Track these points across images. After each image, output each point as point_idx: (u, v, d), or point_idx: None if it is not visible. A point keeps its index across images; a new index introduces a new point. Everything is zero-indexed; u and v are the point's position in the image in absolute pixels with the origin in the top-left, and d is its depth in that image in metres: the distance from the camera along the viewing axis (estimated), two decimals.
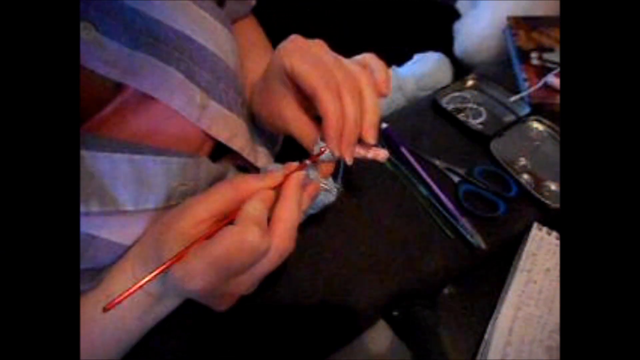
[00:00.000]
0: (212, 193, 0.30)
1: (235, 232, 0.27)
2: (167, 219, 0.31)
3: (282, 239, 0.29)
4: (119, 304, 0.25)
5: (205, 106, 0.37)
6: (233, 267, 0.27)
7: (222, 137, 0.39)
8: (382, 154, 0.37)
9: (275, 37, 0.60)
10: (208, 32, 0.38)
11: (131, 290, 0.25)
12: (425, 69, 0.76)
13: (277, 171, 0.32)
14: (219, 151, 0.42)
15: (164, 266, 0.26)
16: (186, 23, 0.36)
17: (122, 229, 0.32)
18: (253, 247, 0.27)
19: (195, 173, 0.37)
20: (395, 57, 0.80)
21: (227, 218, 0.30)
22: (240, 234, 0.27)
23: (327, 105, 0.31)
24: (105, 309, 0.24)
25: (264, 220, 0.29)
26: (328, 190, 0.37)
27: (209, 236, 0.28)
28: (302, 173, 0.33)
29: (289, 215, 0.30)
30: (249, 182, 0.31)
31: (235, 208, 0.30)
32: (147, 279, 0.26)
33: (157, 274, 0.26)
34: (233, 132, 0.40)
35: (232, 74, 0.40)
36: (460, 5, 0.84)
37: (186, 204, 0.30)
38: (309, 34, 0.36)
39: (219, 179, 0.41)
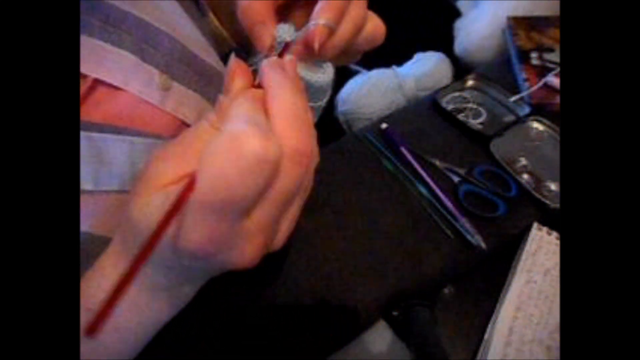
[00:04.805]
0: (172, 145, 0.23)
1: (223, 144, 0.19)
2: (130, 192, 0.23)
3: (291, 136, 0.21)
4: (103, 323, 0.18)
5: (167, 88, 0.36)
6: (237, 196, 0.19)
7: (190, 118, 0.37)
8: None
9: None
10: (161, 13, 0.37)
11: (111, 302, 0.18)
12: (425, 69, 0.76)
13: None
14: None
15: (140, 255, 0.19)
16: (136, 5, 0.35)
17: (83, 213, 0.30)
18: (256, 156, 0.19)
19: None
20: (395, 57, 0.80)
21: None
22: (232, 142, 0.19)
23: None
24: (89, 332, 0.17)
25: (261, 118, 0.21)
26: (319, 67, 0.30)
27: (181, 199, 0.20)
28: (277, 58, 0.25)
29: (286, 104, 0.22)
30: (220, 105, 0.23)
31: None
32: (124, 277, 0.19)
33: (137, 268, 0.19)
34: (200, 113, 0.38)
35: (191, 54, 0.39)
36: (461, 5, 0.84)
37: (143, 171, 0.23)
38: None
39: None
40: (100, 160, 0.31)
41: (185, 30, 0.39)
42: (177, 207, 0.20)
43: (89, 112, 0.32)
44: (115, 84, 0.33)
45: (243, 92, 0.23)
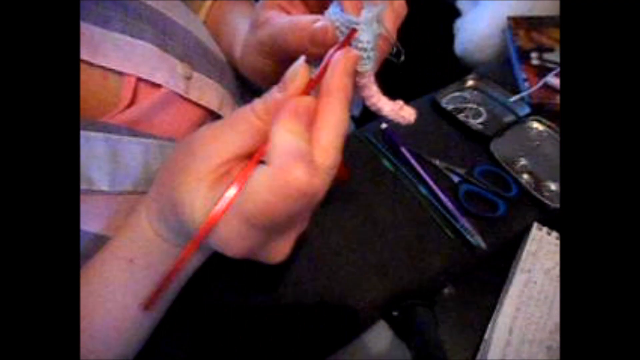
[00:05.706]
0: (231, 124, 0.24)
1: (270, 177, 0.21)
2: (178, 156, 0.25)
3: (332, 155, 0.23)
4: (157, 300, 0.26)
5: (189, 77, 0.37)
6: (278, 220, 0.22)
7: (214, 105, 0.39)
8: (408, 112, 0.28)
9: None
10: (175, 6, 0.38)
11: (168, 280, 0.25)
12: None
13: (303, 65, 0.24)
14: None
15: (191, 244, 0.23)
16: None
17: (96, 215, 0.31)
18: (300, 190, 0.21)
19: None
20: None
21: (257, 154, 0.23)
22: (278, 177, 0.21)
23: None
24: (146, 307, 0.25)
25: (305, 147, 0.22)
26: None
27: (239, 184, 0.22)
28: (353, 54, 0.25)
29: (339, 121, 0.23)
30: (274, 99, 0.23)
31: (264, 140, 0.23)
32: (177, 264, 0.24)
33: (188, 254, 0.23)
34: (220, 100, 0.40)
35: (203, 45, 0.40)
36: (460, 4, 0.84)
37: (198, 140, 0.24)
38: None
39: None
40: (117, 161, 0.31)
41: (194, 23, 0.40)
42: (215, 218, 0.22)
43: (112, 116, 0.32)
44: (143, 76, 0.33)
45: (297, 104, 0.22)
